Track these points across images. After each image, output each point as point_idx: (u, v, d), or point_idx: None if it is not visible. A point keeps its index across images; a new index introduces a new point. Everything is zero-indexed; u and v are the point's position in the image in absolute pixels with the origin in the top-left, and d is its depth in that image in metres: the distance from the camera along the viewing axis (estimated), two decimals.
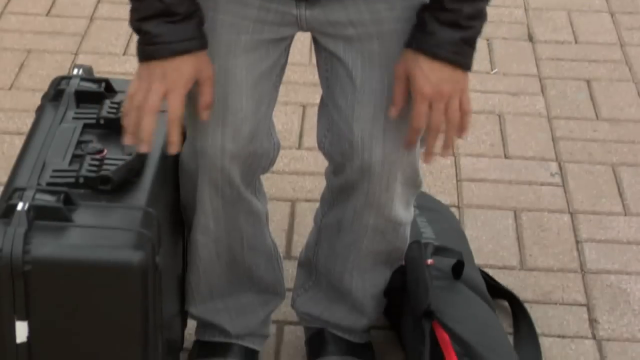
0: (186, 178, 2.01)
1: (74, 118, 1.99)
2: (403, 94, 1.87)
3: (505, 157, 2.95)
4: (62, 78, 2.10)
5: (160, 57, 1.79)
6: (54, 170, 1.86)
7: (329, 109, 1.98)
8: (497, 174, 2.86)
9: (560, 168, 2.91)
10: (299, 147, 2.93)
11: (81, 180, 1.84)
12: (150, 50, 1.80)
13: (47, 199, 1.77)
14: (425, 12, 1.83)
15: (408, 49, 1.85)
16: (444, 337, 2.01)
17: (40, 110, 2.06)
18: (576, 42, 3.49)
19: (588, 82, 3.29)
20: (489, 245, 2.62)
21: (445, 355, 2.00)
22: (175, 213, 2.08)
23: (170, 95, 1.81)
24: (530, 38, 3.48)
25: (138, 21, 1.79)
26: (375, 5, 1.88)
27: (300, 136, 2.97)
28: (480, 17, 1.83)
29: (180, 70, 1.81)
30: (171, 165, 2.01)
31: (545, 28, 3.55)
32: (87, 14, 3.46)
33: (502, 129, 3.06)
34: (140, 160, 1.90)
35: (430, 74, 1.83)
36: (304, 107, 3.05)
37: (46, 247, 1.72)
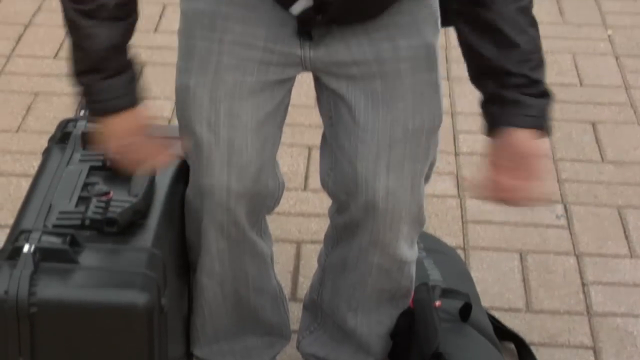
0: (191, 218, 2.02)
1: (81, 160, 2.00)
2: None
3: None
4: (69, 120, 2.11)
5: (98, 115, 1.82)
6: (61, 212, 1.87)
7: (332, 148, 1.99)
8: (503, 216, 2.86)
9: (566, 210, 2.91)
10: (305, 188, 2.93)
11: (87, 222, 1.85)
12: (91, 108, 1.82)
13: (53, 241, 1.78)
14: (515, 92, 1.79)
15: (511, 130, 1.80)
16: None
17: (47, 153, 2.07)
18: (581, 84, 3.50)
19: (593, 124, 3.29)
20: (495, 287, 2.62)
21: None
22: (181, 254, 2.08)
23: (114, 150, 1.85)
24: None
25: (75, 75, 1.80)
26: (379, 45, 1.89)
27: (306, 178, 2.98)
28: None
29: (114, 127, 1.82)
30: (177, 207, 2.01)
31: (551, 70, 3.54)
32: None
33: None
34: (146, 202, 1.91)
35: (537, 145, 1.82)
36: (310, 148, 3.06)
37: (52, 289, 1.73)
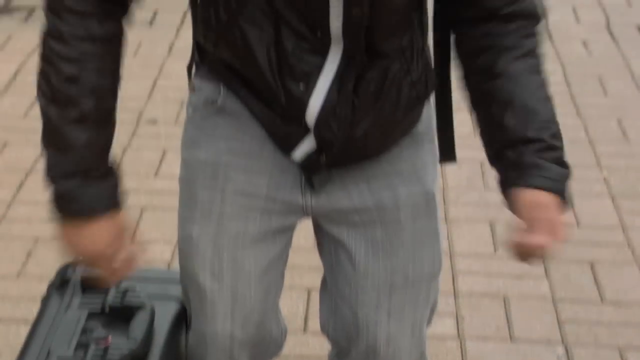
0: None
1: (80, 305, 2.00)
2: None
3: (511, 340, 2.94)
4: (68, 265, 2.12)
5: (75, 217, 1.76)
6: (59, 358, 1.86)
7: (331, 293, 2.00)
8: (503, 357, 2.85)
9: (567, 351, 2.90)
10: (304, 331, 2.93)
11: None
12: (68, 210, 1.76)
13: None
14: (527, 155, 1.76)
15: (534, 191, 1.76)
16: None
17: (46, 299, 2.07)
18: (578, 225, 3.52)
19: (592, 264, 3.30)
20: None
21: None
22: None
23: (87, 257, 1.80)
24: None
25: (56, 178, 1.74)
26: (379, 193, 1.90)
27: (306, 320, 2.97)
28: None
29: (93, 232, 1.76)
30: (175, 352, 2.01)
31: None
32: None
33: (507, 311, 3.05)
34: (145, 346, 1.90)
35: (556, 208, 1.80)
36: (309, 291, 3.06)
37: None
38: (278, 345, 2.03)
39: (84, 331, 1.94)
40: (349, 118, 1.77)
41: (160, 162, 3.77)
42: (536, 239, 1.75)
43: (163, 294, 2.07)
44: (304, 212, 1.93)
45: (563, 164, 1.79)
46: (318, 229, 2.00)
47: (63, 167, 1.73)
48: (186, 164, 1.93)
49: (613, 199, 3.68)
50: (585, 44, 4.96)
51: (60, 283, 2.08)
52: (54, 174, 1.74)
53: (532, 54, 1.79)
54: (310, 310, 3.00)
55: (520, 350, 2.90)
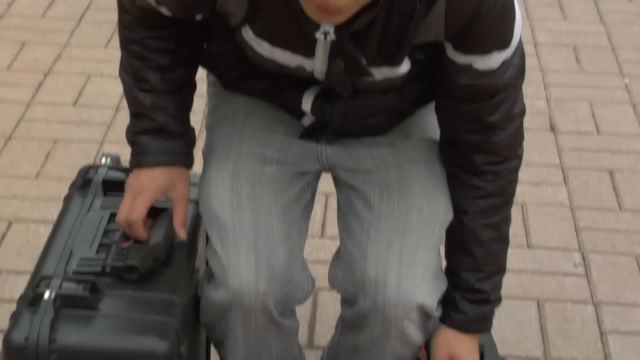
0: (215, 307, 1.93)
1: (101, 207, 2.01)
2: None
3: (528, 247, 2.95)
4: (90, 167, 2.13)
5: (144, 165, 1.91)
6: (81, 259, 1.88)
7: (342, 240, 1.98)
8: (520, 264, 2.86)
9: (584, 258, 2.91)
10: (322, 236, 2.94)
11: (108, 269, 1.86)
12: (137, 159, 1.92)
13: (74, 288, 1.79)
14: (456, 292, 1.94)
15: (443, 326, 1.97)
16: None
17: (68, 199, 2.08)
18: (598, 132, 3.50)
19: (611, 172, 3.29)
20: (512, 336, 2.61)
21: None
22: (197, 301, 2.07)
23: (136, 200, 1.90)
24: (553, 129, 3.50)
25: (133, 134, 1.93)
26: (393, 138, 1.95)
27: (323, 225, 2.98)
28: (500, 284, 1.98)
29: (154, 179, 1.91)
30: (191, 254, 2.02)
31: (568, 119, 3.57)
32: (113, 104, 3.51)
33: (525, 218, 3.06)
34: (166, 248, 1.91)
35: (460, 344, 1.97)
36: (327, 195, 3.06)
37: (72, 336, 1.73)
38: (305, 292, 2.00)
39: (106, 232, 1.95)
40: (346, 106, 1.88)
41: None
42: None
43: None
44: (319, 160, 1.97)
45: (483, 302, 1.95)
46: (337, 184, 2.03)
47: (140, 126, 1.91)
48: (210, 129, 2.05)
49: (634, 107, 3.66)
50: None
51: (82, 184, 2.09)
52: (132, 130, 1.93)
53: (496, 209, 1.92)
54: (327, 214, 3.01)
55: (537, 257, 2.90)
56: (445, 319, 1.95)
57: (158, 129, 1.91)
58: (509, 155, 1.89)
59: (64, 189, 2.13)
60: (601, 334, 2.64)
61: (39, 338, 1.71)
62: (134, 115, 1.94)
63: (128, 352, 1.73)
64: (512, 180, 1.93)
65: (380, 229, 1.91)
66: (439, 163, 1.96)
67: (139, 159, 1.92)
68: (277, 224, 1.91)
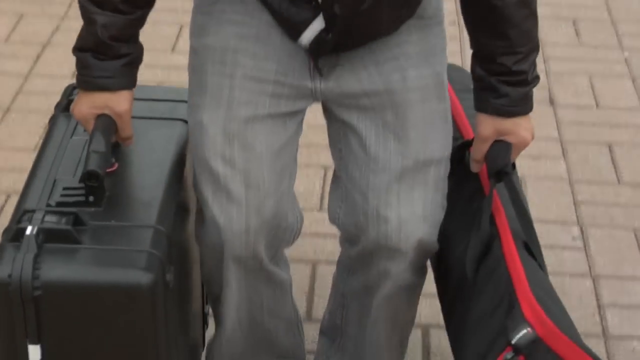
0: (209, 255, 2.00)
1: (85, 131, 1.96)
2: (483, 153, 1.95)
3: None
4: (75, 87, 2.10)
5: (84, 89, 1.89)
6: (64, 189, 1.86)
7: (342, 181, 2.00)
8: None
9: (582, 232, 2.91)
10: (320, 209, 2.94)
11: (90, 198, 1.83)
12: (80, 80, 1.89)
13: (57, 221, 1.77)
14: (492, 77, 1.89)
15: (484, 115, 1.93)
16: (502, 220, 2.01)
17: (53, 120, 2.06)
18: (597, 106, 3.50)
19: (610, 146, 3.29)
20: None
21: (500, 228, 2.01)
22: (186, 227, 2.06)
23: (83, 122, 1.91)
24: (552, 102, 3.49)
25: (76, 49, 1.90)
26: (389, 76, 1.91)
27: (322, 198, 2.98)
28: (536, 63, 1.91)
29: (93, 101, 1.88)
30: (179, 180, 2.00)
31: (567, 92, 3.56)
32: None
33: (524, 192, 3.05)
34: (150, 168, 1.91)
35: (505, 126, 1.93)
36: (326, 169, 3.07)
37: (55, 271, 1.72)
38: (294, 232, 2.04)
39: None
40: None
41: (177, 37, 3.75)
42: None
43: (169, 114, 2.10)
44: (313, 96, 1.94)
45: (523, 83, 1.89)
46: (328, 115, 2.00)
47: (82, 41, 1.89)
48: (195, 51, 1.96)
49: (634, 80, 3.65)
50: None
51: (67, 104, 2.06)
52: (76, 44, 1.90)
53: None
54: (326, 188, 3.01)
55: (536, 230, 2.90)
56: (485, 108, 1.93)
57: (97, 49, 1.88)
58: None
59: None
60: (599, 307, 2.64)
61: (22, 274, 1.70)
62: (83, 27, 1.91)
63: (112, 285, 1.72)
64: None
65: (378, 172, 1.94)
66: (436, 99, 1.96)
67: (81, 81, 1.91)
68: (268, 174, 1.92)
